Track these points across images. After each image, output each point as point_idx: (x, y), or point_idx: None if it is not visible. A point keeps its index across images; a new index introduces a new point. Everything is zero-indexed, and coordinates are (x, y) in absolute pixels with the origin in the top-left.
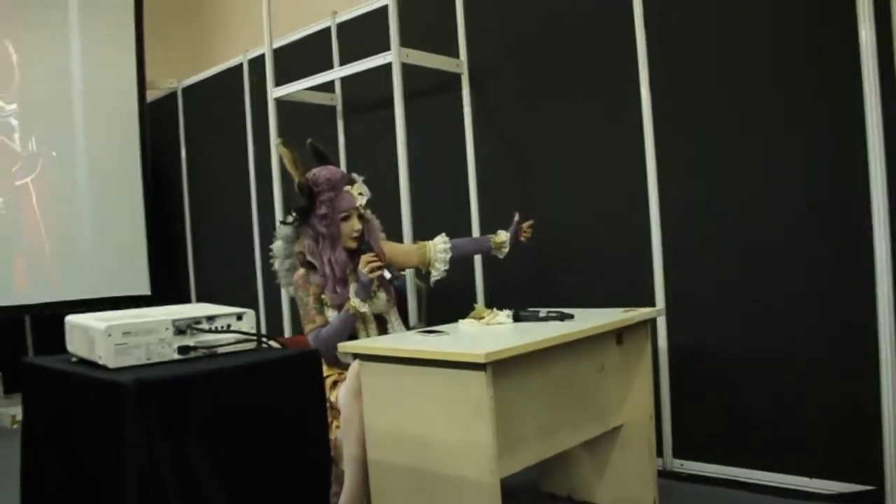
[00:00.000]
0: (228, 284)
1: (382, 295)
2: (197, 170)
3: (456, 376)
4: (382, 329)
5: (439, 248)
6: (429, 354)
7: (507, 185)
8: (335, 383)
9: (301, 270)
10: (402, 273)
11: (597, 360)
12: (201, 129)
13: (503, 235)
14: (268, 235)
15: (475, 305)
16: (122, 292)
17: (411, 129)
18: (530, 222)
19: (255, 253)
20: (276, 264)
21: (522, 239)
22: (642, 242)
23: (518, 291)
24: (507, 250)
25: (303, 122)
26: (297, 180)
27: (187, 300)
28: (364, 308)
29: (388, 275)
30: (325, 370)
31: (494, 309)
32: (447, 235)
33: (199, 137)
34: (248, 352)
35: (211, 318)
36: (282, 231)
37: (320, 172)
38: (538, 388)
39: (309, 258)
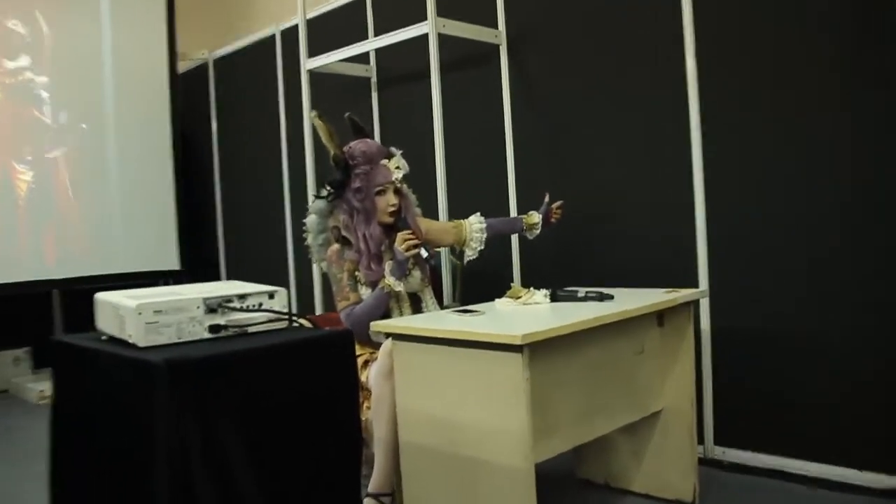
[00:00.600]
0: (259, 261)
1: (417, 273)
2: (228, 143)
3: (491, 358)
4: (416, 308)
5: (475, 227)
6: (463, 335)
7: (546, 160)
8: (366, 363)
9: (335, 246)
10: (437, 251)
11: (637, 343)
12: (233, 101)
13: (535, 216)
14: (299, 211)
15: (511, 284)
16: (152, 267)
17: (448, 101)
18: (560, 203)
19: (287, 229)
20: (310, 239)
21: (553, 220)
22: (686, 220)
23: (556, 270)
24: (538, 231)
25: (336, 94)
26: (332, 153)
27: (217, 277)
28: (399, 287)
29: (424, 253)
30: (357, 349)
31: (531, 288)
32: (482, 213)
33: (231, 110)
34: (280, 331)
35: (242, 297)
36: (316, 205)
37: (357, 145)
38: (576, 371)
39: (344, 233)
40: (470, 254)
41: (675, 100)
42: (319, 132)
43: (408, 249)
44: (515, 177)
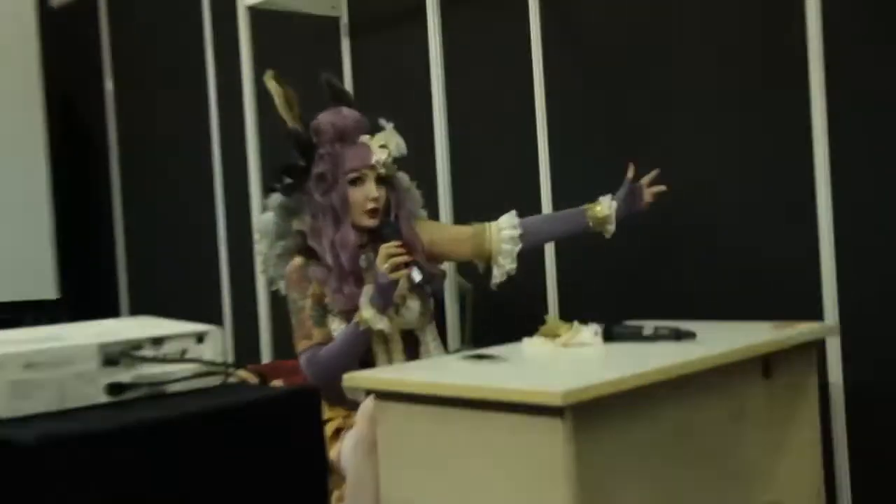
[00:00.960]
0: (178, 288)
1: (415, 304)
2: (130, 115)
3: (519, 425)
4: (412, 352)
5: (506, 233)
6: (479, 392)
7: (596, 142)
8: (337, 432)
9: (297, 260)
10: (443, 269)
11: (733, 403)
12: (136, 52)
13: (606, 205)
14: (239, 214)
15: (547, 317)
16: (15, 296)
17: (452, 52)
18: (655, 173)
19: (219, 241)
20: (263, 247)
21: (645, 203)
22: (804, 227)
23: (611, 296)
24: (613, 227)
25: (290, 43)
26: (288, 126)
27: (114, 311)
28: (381, 324)
29: (417, 276)
30: (325, 412)
31: (575, 323)
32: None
33: (133, 65)
34: (213, 390)
35: (157, 341)
36: (274, 200)
37: (325, 116)
38: (643, 445)
39: (309, 242)
40: (499, 274)
41: (792, 64)
42: (275, 98)
43: (393, 269)
44: (550, 163)
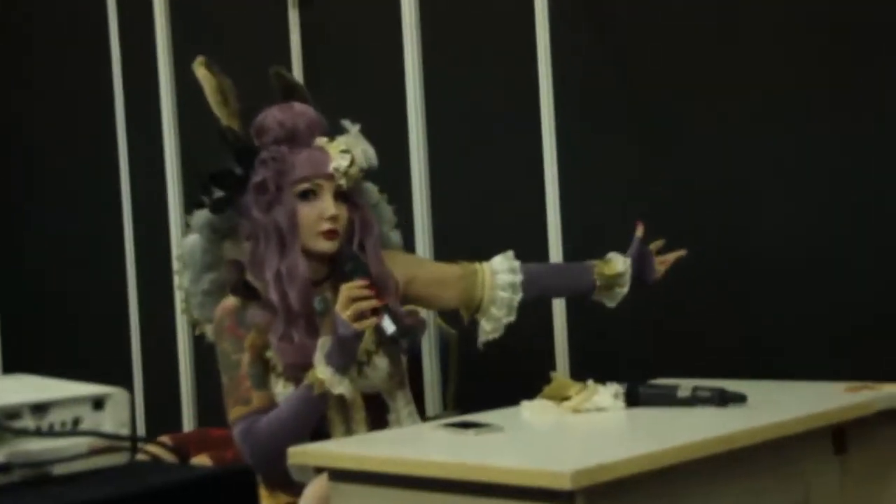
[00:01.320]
0: (70, 337)
1: (382, 363)
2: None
3: None
4: (379, 421)
5: (503, 278)
6: (463, 471)
7: (623, 155)
8: None
9: (230, 300)
10: (422, 318)
11: (797, 487)
12: (15, 13)
13: (620, 261)
14: (152, 239)
15: (553, 375)
16: None
17: (432, 31)
18: (661, 243)
19: (127, 272)
20: (185, 281)
21: (658, 273)
22: (889, 264)
23: (636, 348)
24: (625, 291)
25: (224, 19)
26: (221, 124)
27: None
28: (341, 388)
29: (390, 328)
30: (262, 499)
31: (590, 382)
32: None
33: (9, 30)
34: (115, 471)
35: (40, 408)
36: (199, 219)
37: (272, 112)
38: None
39: (248, 276)
40: (489, 329)
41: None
42: (206, 90)
43: (357, 318)
44: (559, 183)
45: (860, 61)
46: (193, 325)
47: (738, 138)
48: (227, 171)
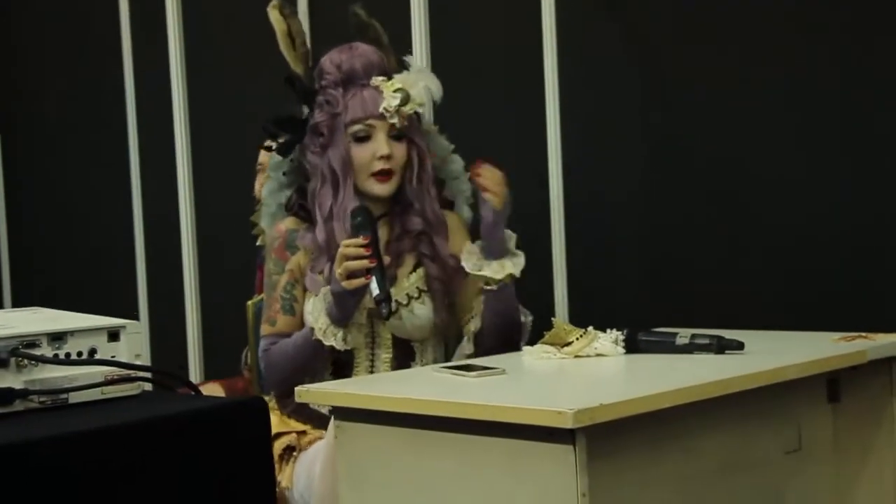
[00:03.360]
0: (78, 280)
1: (423, 310)
2: (11, 51)
3: (518, 453)
4: (403, 366)
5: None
6: (467, 410)
7: (628, 103)
8: (289, 452)
9: (287, 222)
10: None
11: (791, 432)
12: None
13: (491, 269)
14: (157, 176)
15: (554, 321)
16: None
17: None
18: (482, 168)
19: (135, 216)
20: (264, 190)
21: (494, 202)
22: (882, 216)
23: (636, 298)
24: (509, 263)
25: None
26: (291, 70)
27: None
28: (333, 341)
29: (375, 290)
30: (273, 423)
31: (590, 329)
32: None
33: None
34: (129, 401)
35: (57, 337)
36: (274, 159)
37: (332, 55)
38: (675, 482)
39: (309, 204)
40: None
41: None
42: (277, 34)
43: (348, 276)
44: (561, 130)
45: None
46: (257, 232)
47: (737, 90)
48: (290, 116)
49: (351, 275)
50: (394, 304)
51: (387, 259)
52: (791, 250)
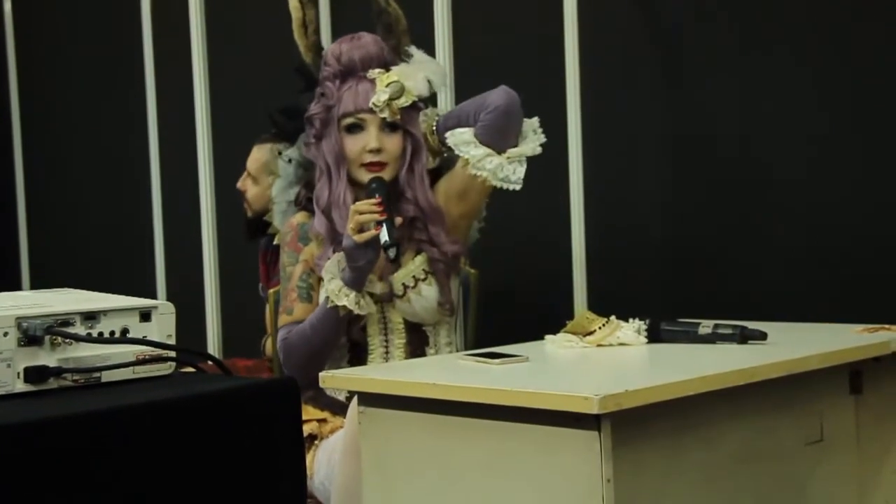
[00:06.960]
0: (99, 263)
1: (430, 291)
2: (32, 39)
3: (543, 439)
4: (417, 351)
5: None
6: (491, 396)
7: (647, 94)
8: (311, 439)
9: (299, 216)
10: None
11: (812, 423)
12: None
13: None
14: (177, 166)
15: (577, 310)
16: None
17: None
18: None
19: (154, 202)
20: (274, 190)
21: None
22: None
23: (658, 289)
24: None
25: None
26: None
27: (14, 284)
28: (346, 301)
29: (384, 237)
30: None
31: (613, 318)
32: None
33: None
34: (160, 381)
35: (90, 317)
36: (289, 151)
37: (334, 45)
38: (697, 470)
39: (314, 196)
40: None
41: None
42: (293, 21)
43: (358, 229)
44: (583, 128)
45: None
46: (274, 232)
47: (763, 82)
48: (294, 105)
49: (360, 228)
50: (400, 256)
51: (398, 220)
52: (814, 242)
